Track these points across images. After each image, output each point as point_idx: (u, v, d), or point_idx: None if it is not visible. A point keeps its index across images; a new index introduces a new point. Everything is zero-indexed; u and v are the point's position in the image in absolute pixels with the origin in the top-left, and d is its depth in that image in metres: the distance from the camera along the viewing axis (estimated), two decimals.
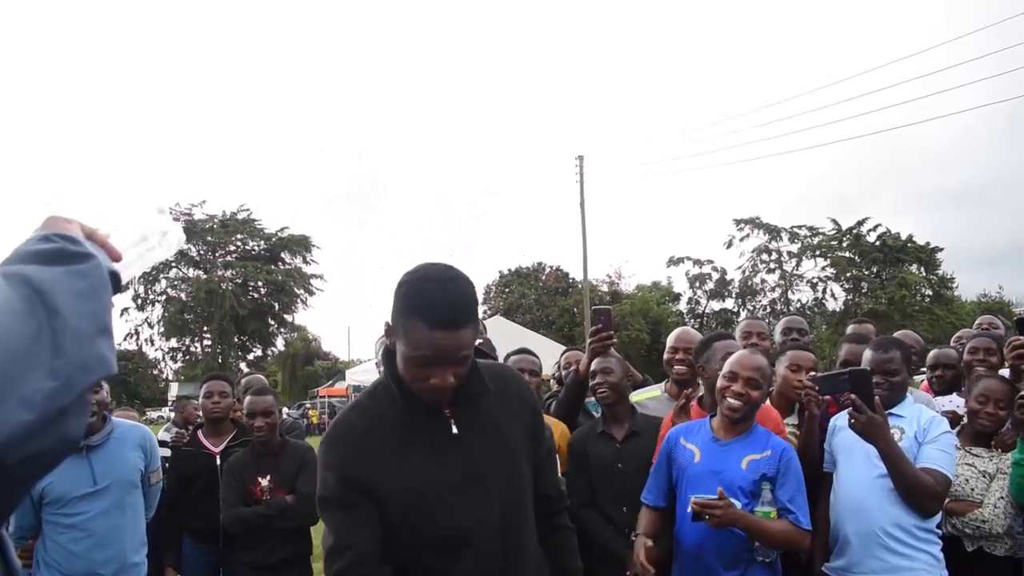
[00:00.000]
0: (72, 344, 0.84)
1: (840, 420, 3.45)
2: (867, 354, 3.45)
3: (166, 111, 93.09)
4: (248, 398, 4.28)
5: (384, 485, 1.96)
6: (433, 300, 1.87)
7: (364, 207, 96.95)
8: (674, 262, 49.44)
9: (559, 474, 2.37)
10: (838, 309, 45.03)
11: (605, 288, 53.30)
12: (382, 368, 2.13)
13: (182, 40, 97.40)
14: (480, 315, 2.05)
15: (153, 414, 27.36)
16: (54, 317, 0.83)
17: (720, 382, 3.19)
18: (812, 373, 3.82)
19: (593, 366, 3.78)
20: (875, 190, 74.83)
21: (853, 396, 3.06)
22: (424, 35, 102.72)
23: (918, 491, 3.08)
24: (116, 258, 1.06)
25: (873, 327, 4.99)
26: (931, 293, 44.66)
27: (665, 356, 4.24)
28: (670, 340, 4.29)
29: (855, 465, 3.27)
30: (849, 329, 4.95)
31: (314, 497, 2.11)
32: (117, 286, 1.01)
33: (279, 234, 53.03)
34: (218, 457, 4.59)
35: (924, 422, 3.26)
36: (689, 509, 3.00)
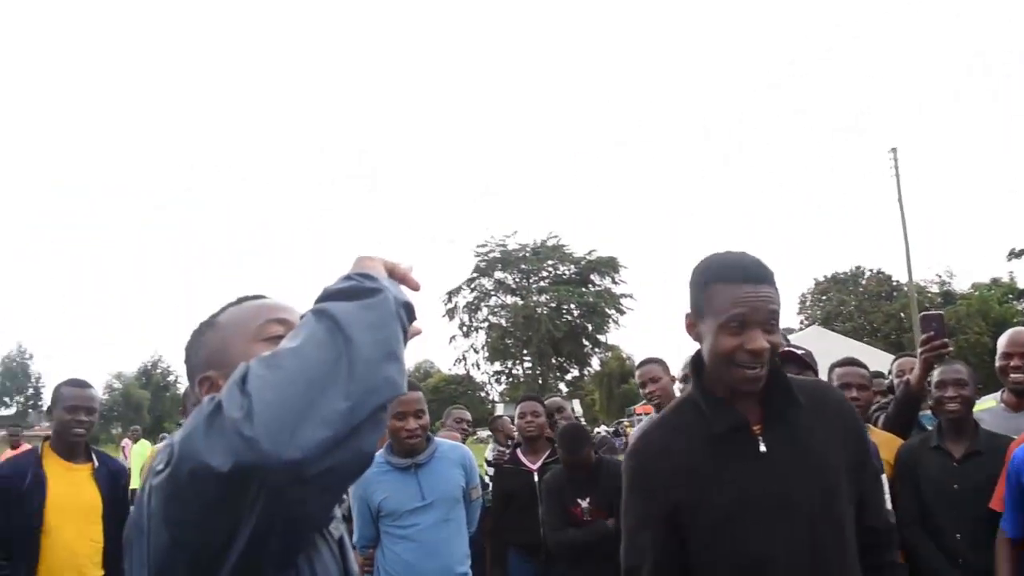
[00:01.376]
0: (363, 369, 0.95)
1: None
2: None
3: (472, 151, 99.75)
4: (563, 455, 4.34)
5: (685, 503, 1.86)
6: (731, 261, 1.86)
7: (670, 223, 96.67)
8: (1016, 254, 43.63)
9: (887, 502, 2.08)
10: None
11: (935, 289, 48.56)
12: (686, 386, 2.03)
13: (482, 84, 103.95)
14: (792, 323, 1.88)
15: (483, 433, 29.34)
16: (349, 346, 0.95)
17: (999, 361, 2.71)
18: None
19: (939, 376, 3.37)
20: None
21: None
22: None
23: None
24: (415, 288, 1.20)
25: None
26: None
27: (999, 363, 3.65)
28: (1003, 344, 3.68)
29: None
30: None
31: None
32: (412, 314, 1.10)
33: (587, 257, 54.61)
34: (535, 474, 4.74)
35: None
36: None
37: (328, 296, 1.04)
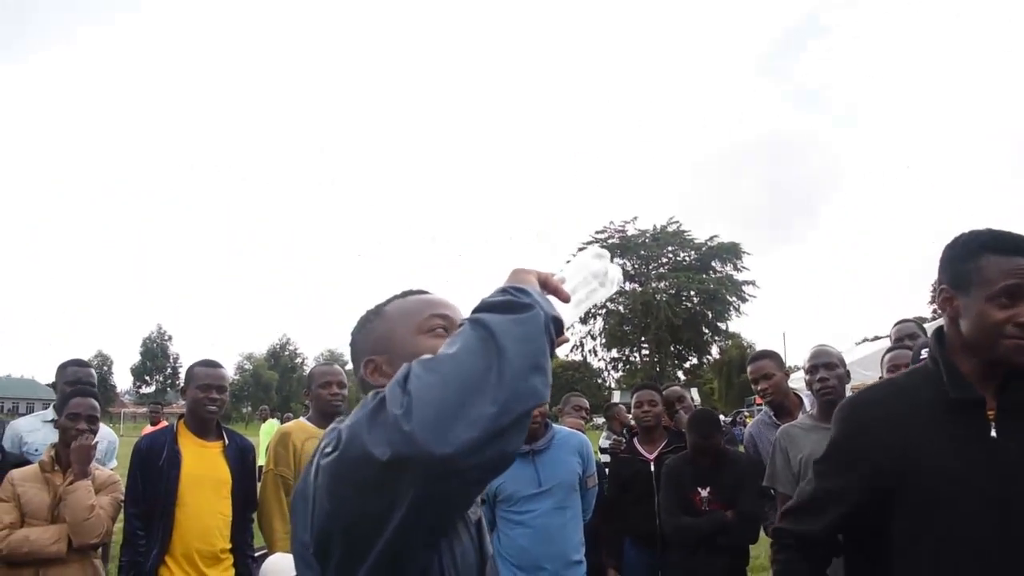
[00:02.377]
0: (511, 378, 1.03)
1: None
2: None
3: (590, 138, 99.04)
4: (692, 439, 4.28)
5: (894, 471, 1.81)
6: (1003, 234, 1.82)
7: (799, 210, 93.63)
8: None
9: None
10: None
11: None
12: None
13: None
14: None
15: (598, 420, 29.30)
16: (501, 356, 1.04)
17: None
18: None
19: None
20: None
21: None
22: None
23: None
24: (565, 299, 1.29)
25: None
26: None
27: None
28: None
29: None
30: None
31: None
32: (560, 328, 1.19)
33: (708, 243, 53.59)
34: (652, 463, 4.67)
35: None
36: None
37: (485, 308, 1.13)
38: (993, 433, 1.78)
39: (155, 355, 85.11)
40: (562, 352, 56.77)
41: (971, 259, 1.80)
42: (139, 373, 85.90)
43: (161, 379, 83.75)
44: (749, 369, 4.55)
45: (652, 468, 4.65)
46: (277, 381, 72.12)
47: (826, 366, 3.68)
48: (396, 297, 1.52)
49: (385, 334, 1.44)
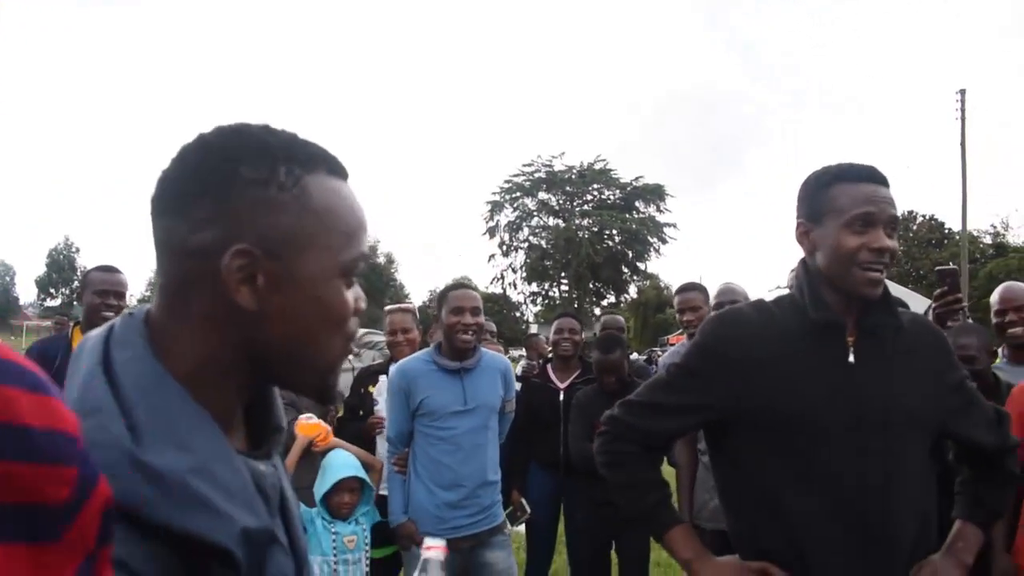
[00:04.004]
0: None
1: None
2: None
3: (525, 69, 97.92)
4: (596, 355, 4.31)
5: (754, 383, 1.82)
6: (854, 165, 1.86)
7: (722, 157, 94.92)
8: None
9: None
10: None
11: (988, 240, 47.34)
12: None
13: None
14: None
15: (515, 352, 29.63)
16: None
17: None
18: None
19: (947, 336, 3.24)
20: None
21: None
22: None
23: None
24: None
25: None
26: None
27: (995, 319, 3.56)
28: (996, 299, 3.59)
29: None
30: None
31: None
32: None
33: (634, 183, 53.89)
34: (562, 393, 4.69)
35: None
36: None
37: None
38: (851, 358, 1.83)
39: (61, 267, 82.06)
40: (482, 284, 57.13)
41: (823, 190, 1.84)
42: (44, 285, 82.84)
43: (67, 292, 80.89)
44: (677, 300, 4.57)
45: (562, 397, 4.69)
46: None
47: (732, 304, 3.73)
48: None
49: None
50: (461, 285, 3.78)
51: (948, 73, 76.11)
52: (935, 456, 1.94)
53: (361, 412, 4.37)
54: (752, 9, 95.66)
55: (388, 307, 4.83)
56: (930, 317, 3.35)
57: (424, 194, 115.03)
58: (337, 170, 0.90)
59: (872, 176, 1.83)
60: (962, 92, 28.60)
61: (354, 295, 0.90)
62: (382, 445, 4.04)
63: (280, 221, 0.83)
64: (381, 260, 66.38)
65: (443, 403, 3.53)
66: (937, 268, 3.40)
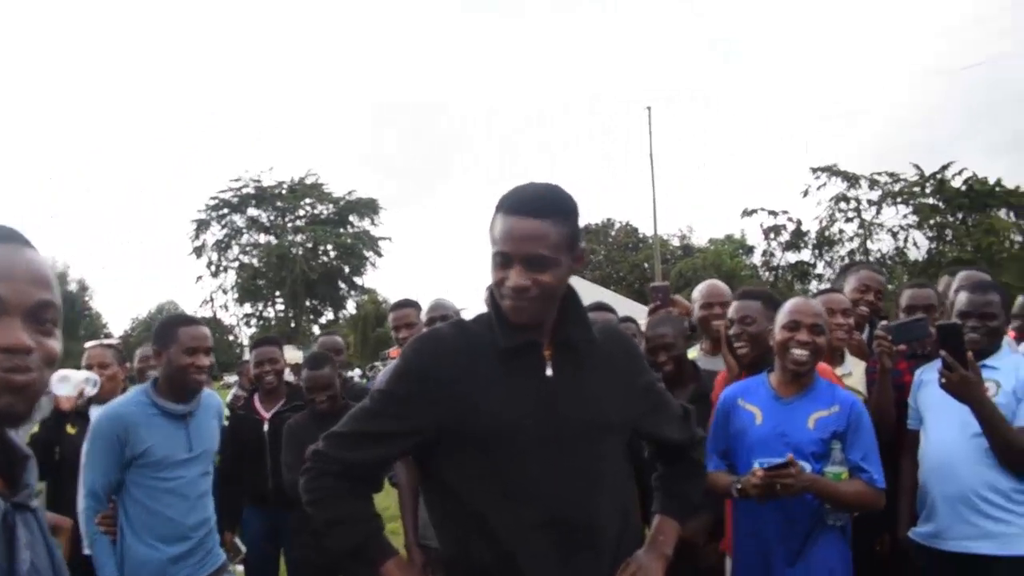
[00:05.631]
0: None
1: (927, 373, 3.14)
2: (962, 296, 3.09)
3: (234, 83, 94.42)
4: (306, 373, 4.10)
5: (455, 404, 1.83)
6: (513, 191, 1.85)
7: (434, 168, 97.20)
8: (748, 213, 48.10)
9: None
10: (921, 258, 43.33)
11: (676, 242, 52.53)
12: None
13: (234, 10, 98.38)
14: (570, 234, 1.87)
15: (230, 378, 28.18)
16: None
17: (780, 334, 2.90)
18: (883, 322, 3.53)
19: (651, 341, 3.56)
20: (960, 132, 71.54)
21: (944, 352, 2.80)
22: None
23: (1016, 452, 2.79)
24: None
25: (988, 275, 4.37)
26: (1021, 239, 42.77)
27: (700, 313, 3.97)
28: (701, 296, 4.02)
29: (945, 424, 2.98)
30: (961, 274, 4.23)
31: None
32: None
33: (347, 197, 53.56)
34: (266, 423, 4.49)
35: None
36: (755, 478, 2.73)
37: None
38: (549, 371, 1.88)
39: None
40: (190, 308, 53.87)
41: (493, 217, 1.84)
42: None
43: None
44: (391, 317, 4.56)
45: (266, 427, 4.48)
46: None
47: (444, 319, 3.81)
48: None
49: None
50: (190, 320, 3.43)
51: (639, 91, 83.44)
52: (630, 453, 2.07)
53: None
54: (454, 19, 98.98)
55: (88, 343, 4.34)
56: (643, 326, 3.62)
57: (120, 213, 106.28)
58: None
59: (519, 208, 1.80)
60: (649, 109, 31.33)
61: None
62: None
63: None
64: (73, 288, 60.26)
65: (169, 451, 3.21)
66: (651, 286, 3.72)
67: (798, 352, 2.84)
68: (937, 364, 2.92)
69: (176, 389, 3.25)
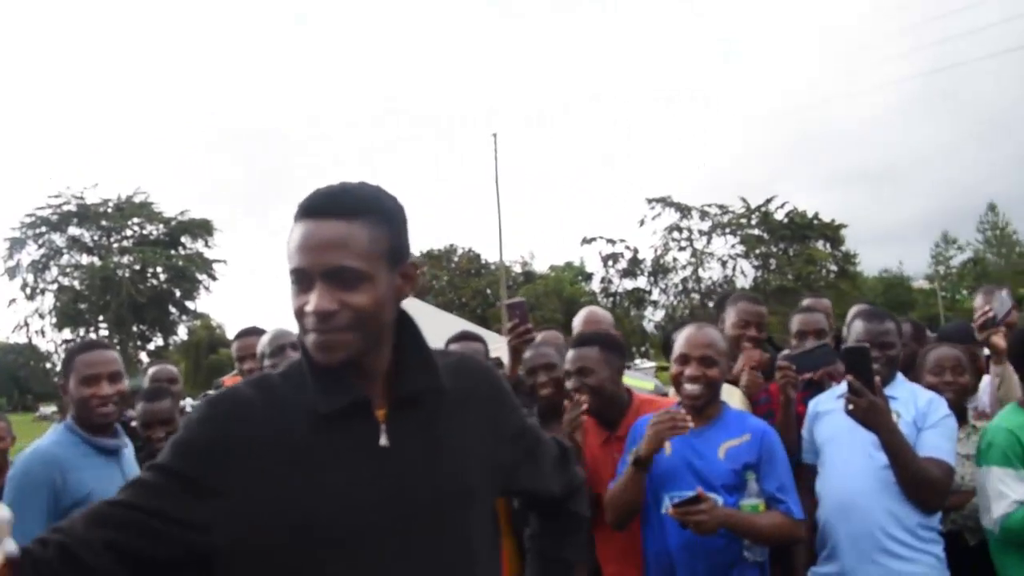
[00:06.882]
0: None
1: (823, 404, 3.09)
2: (858, 325, 3.06)
3: (55, 92, 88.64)
4: (142, 406, 3.66)
5: (252, 491, 1.38)
6: (311, 192, 1.45)
7: (270, 192, 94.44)
8: (587, 241, 49.52)
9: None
10: (747, 285, 45.90)
11: (518, 269, 53.23)
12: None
13: (71, 19, 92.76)
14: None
15: (47, 410, 25.86)
16: None
17: (673, 367, 2.85)
18: (785, 351, 3.47)
19: (529, 361, 3.35)
20: (783, 169, 77.01)
21: (850, 377, 2.68)
22: (327, 17, 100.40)
23: (925, 485, 2.72)
24: None
25: (829, 302, 4.51)
26: (836, 269, 46.42)
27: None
28: (583, 325, 3.95)
29: (847, 456, 2.89)
30: (804, 302, 4.40)
31: None
32: None
33: (179, 218, 50.99)
34: None
35: (922, 404, 2.90)
36: (666, 511, 2.60)
37: None
38: (384, 440, 1.45)
39: None
40: (1, 334, 49.46)
41: (289, 233, 1.44)
42: None
43: None
44: (236, 346, 4.29)
45: None
46: None
47: (289, 346, 3.57)
48: None
49: None
50: (89, 345, 2.99)
51: (485, 117, 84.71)
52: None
53: None
54: (291, 44, 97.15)
55: None
56: (508, 352, 3.42)
57: None
58: None
59: (316, 210, 1.41)
60: (495, 136, 31.73)
61: None
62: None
63: None
64: None
65: (108, 494, 2.65)
66: (506, 303, 3.53)
67: (689, 387, 2.79)
68: (834, 393, 2.86)
69: (85, 426, 2.81)
